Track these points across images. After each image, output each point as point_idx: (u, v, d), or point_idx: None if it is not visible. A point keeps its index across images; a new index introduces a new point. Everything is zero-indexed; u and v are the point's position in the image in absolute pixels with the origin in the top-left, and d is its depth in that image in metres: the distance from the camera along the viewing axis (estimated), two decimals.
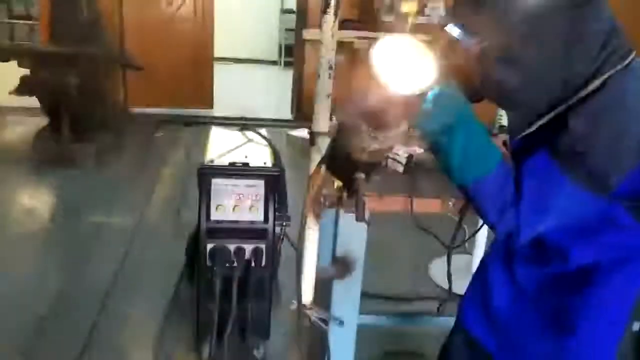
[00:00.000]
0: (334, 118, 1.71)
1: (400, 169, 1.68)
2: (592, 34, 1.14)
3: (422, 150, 1.64)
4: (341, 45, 1.62)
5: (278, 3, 9.29)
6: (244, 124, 2.76)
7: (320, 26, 1.46)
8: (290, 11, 8.75)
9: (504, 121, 2.08)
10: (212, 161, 2.05)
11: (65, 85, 4.39)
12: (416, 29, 1.00)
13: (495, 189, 1.18)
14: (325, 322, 1.65)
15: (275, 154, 2.19)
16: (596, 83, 1.13)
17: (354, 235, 1.59)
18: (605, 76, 1.13)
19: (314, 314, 1.61)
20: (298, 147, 4.99)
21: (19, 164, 4.53)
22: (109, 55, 4.98)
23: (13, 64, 4.72)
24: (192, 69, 6.28)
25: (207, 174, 1.99)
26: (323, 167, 1.23)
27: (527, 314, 1.39)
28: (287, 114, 6.58)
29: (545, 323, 1.36)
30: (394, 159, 1.68)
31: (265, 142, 2.31)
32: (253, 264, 2.00)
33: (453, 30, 1.10)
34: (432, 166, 1.37)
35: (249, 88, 7.86)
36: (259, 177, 1.99)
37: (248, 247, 1.99)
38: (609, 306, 1.30)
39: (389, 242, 3.19)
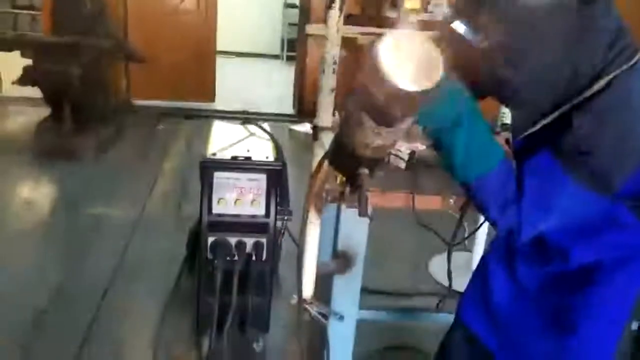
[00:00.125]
0: (337, 113, 1.71)
1: (403, 165, 1.68)
2: (598, 32, 1.14)
3: (424, 147, 1.64)
4: (344, 40, 1.62)
5: None
6: (246, 117, 2.76)
7: (325, 21, 1.46)
8: (293, 5, 8.74)
9: (507, 119, 2.08)
10: (214, 155, 2.05)
11: (68, 76, 4.39)
12: (419, 25, 1.00)
13: (497, 186, 1.18)
14: (325, 316, 1.65)
15: (278, 148, 2.19)
16: (601, 83, 1.13)
17: (355, 231, 1.60)
18: (611, 76, 1.13)
19: (314, 309, 1.62)
20: (300, 141, 5.00)
21: (20, 154, 4.53)
22: (111, 47, 4.98)
23: (16, 54, 4.72)
24: (194, 61, 6.28)
25: (209, 167, 1.99)
26: (326, 162, 1.23)
27: (527, 312, 1.39)
28: (289, 108, 6.58)
29: (546, 321, 1.36)
30: (396, 155, 1.68)
31: (267, 137, 2.32)
32: (254, 258, 2.01)
33: (458, 27, 1.10)
34: (434, 163, 1.37)
35: (251, 82, 7.86)
36: (261, 171, 1.99)
37: (249, 241, 1.99)
38: (610, 305, 1.30)
39: (390, 238, 3.20)
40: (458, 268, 1.89)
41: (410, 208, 1.53)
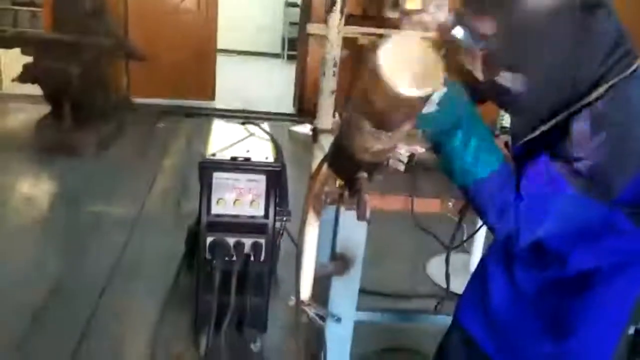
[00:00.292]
0: (337, 115, 1.71)
1: (402, 168, 1.68)
2: (599, 40, 1.14)
3: (423, 150, 1.64)
4: (345, 41, 1.62)
5: None
6: (246, 116, 2.76)
7: (325, 22, 1.46)
8: (294, 5, 8.74)
9: (506, 122, 2.08)
10: (213, 155, 2.05)
11: (68, 73, 4.39)
12: (420, 27, 1.00)
13: (495, 190, 1.18)
14: (323, 318, 1.65)
15: (277, 149, 2.19)
16: (600, 90, 1.13)
17: (354, 233, 1.60)
18: (610, 83, 1.13)
19: (312, 310, 1.62)
20: (300, 143, 4.99)
21: (20, 152, 4.53)
22: (112, 45, 4.97)
23: (16, 51, 4.72)
24: (194, 60, 6.27)
25: (208, 167, 1.99)
26: (325, 165, 1.24)
27: (526, 316, 1.39)
28: (289, 107, 6.58)
29: (544, 325, 1.36)
30: (395, 158, 1.68)
31: (267, 137, 2.32)
32: (252, 259, 2.01)
33: (459, 33, 1.10)
34: (433, 166, 1.37)
35: (251, 80, 7.85)
36: (260, 172, 1.99)
37: (247, 242, 2.00)
38: (608, 309, 1.30)
39: (388, 240, 3.20)
40: (456, 270, 1.89)
41: (409, 211, 1.54)
